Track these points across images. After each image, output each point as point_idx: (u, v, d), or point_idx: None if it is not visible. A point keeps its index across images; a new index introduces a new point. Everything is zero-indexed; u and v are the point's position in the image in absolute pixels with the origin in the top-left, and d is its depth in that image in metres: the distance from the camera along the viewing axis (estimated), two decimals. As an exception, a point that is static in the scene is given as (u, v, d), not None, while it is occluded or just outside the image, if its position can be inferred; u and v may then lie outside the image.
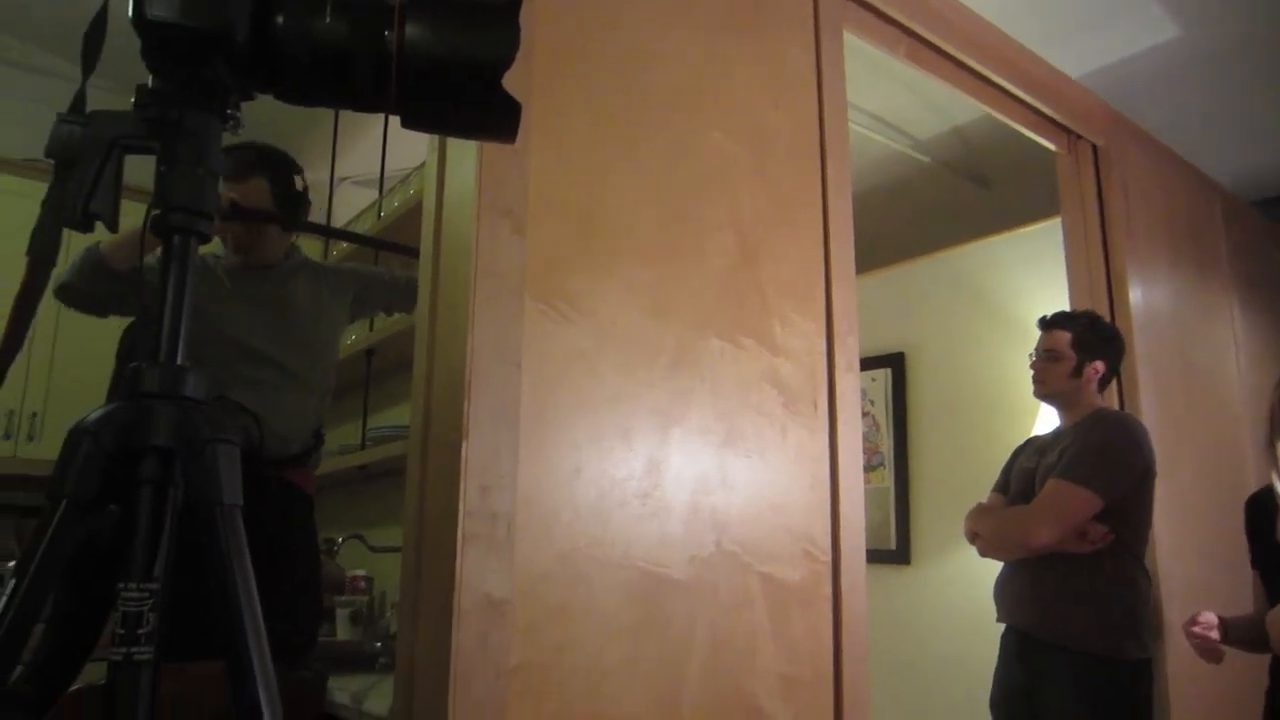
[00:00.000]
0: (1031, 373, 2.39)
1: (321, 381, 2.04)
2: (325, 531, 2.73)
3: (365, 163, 3.01)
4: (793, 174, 1.82)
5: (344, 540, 2.52)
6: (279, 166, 1.97)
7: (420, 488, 1.36)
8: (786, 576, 1.64)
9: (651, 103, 1.61)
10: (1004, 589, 2.33)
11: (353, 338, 2.67)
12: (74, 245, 1.58)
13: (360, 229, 2.76)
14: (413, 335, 1.48)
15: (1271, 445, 1.91)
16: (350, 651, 2.10)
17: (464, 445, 1.27)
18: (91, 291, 1.79)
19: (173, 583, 0.68)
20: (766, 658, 1.57)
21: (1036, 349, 2.39)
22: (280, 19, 0.67)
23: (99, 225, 0.68)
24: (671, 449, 1.51)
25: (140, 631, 0.66)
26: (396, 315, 2.41)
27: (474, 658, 1.22)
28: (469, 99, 0.71)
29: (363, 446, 2.51)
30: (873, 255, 3.56)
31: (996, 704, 2.31)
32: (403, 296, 2.24)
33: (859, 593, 1.74)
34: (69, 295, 1.80)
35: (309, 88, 0.70)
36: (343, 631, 2.22)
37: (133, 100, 0.68)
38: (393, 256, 2.43)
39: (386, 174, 2.83)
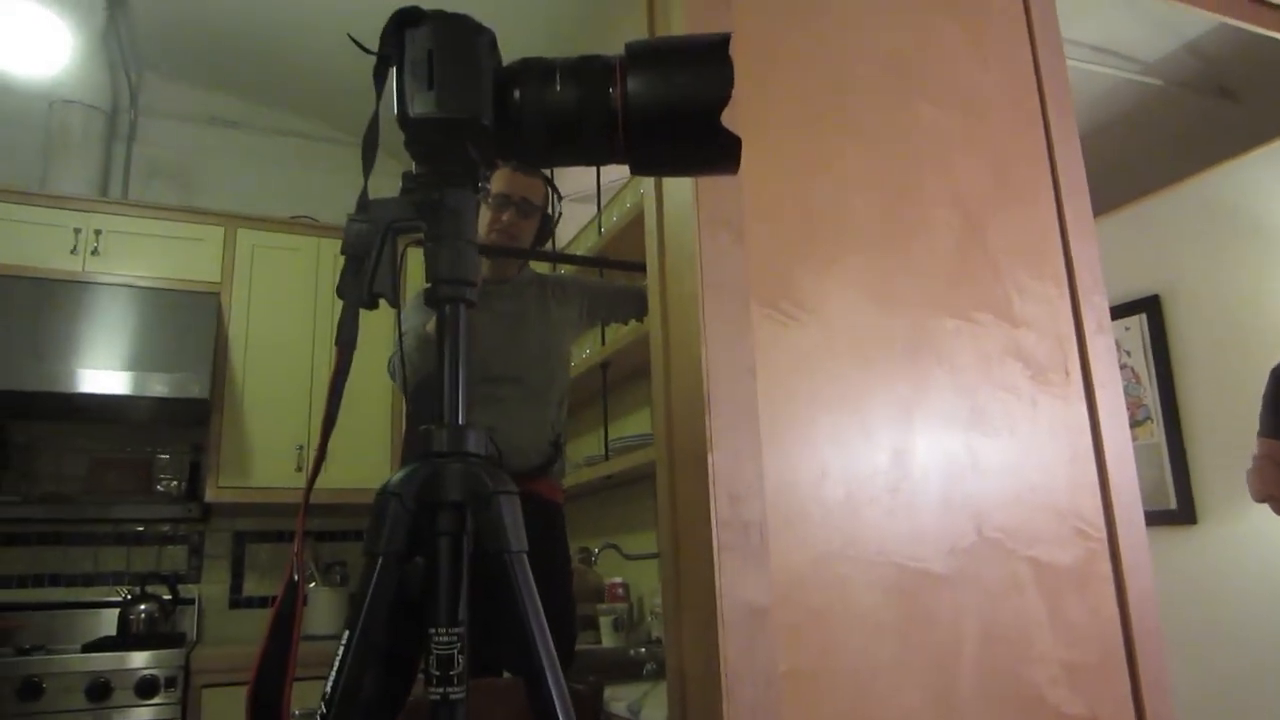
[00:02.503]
0: None
1: (557, 392, 2.14)
2: (581, 541, 2.88)
3: (581, 180, 3.13)
4: (1013, 133, 1.72)
5: (600, 550, 2.64)
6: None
7: (671, 500, 1.40)
8: (1057, 559, 1.55)
9: (858, 88, 1.57)
10: None
11: (587, 351, 2.79)
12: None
13: (583, 245, 2.88)
14: (644, 345, 1.52)
15: None
16: (616, 658, 2.19)
17: (710, 457, 1.29)
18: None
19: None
20: (1045, 646, 1.50)
21: None
22: (518, 94, 0.72)
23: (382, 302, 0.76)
24: (916, 438, 1.47)
25: (452, 673, 0.73)
26: (628, 327, 2.49)
27: (742, 666, 1.25)
28: (692, 140, 0.73)
29: (606, 457, 2.61)
30: (1113, 194, 3.29)
31: None
32: (627, 304, 2.32)
33: (1143, 569, 1.62)
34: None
35: (544, 150, 0.75)
36: (607, 639, 2.33)
37: (400, 186, 0.75)
38: (616, 274, 2.51)
39: (602, 187, 2.93)
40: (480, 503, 0.74)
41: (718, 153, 0.74)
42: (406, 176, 0.75)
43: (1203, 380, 3.42)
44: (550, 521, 2.05)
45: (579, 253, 2.99)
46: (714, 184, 1.39)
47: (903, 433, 1.46)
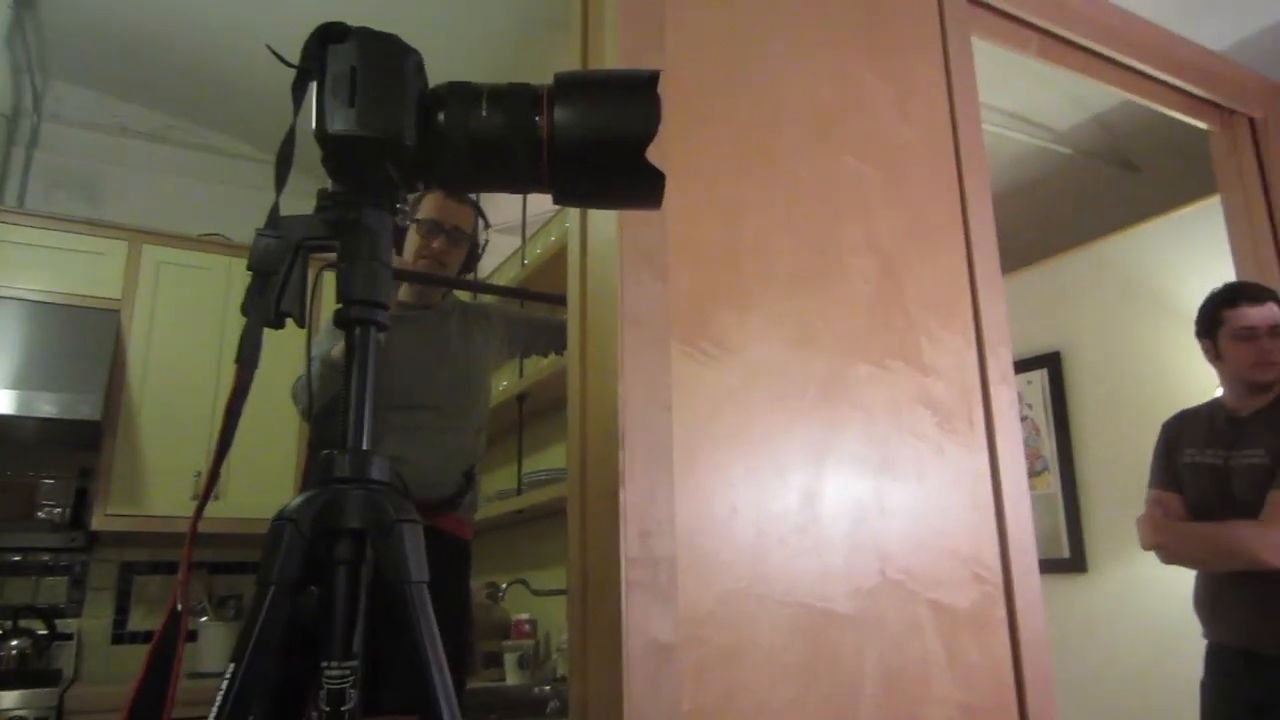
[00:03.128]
0: (1256, 355, 2.09)
1: (475, 421, 2.11)
2: (488, 576, 2.83)
3: (505, 211, 3.12)
4: (929, 188, 1.78)
5: (508, 586, 2.59)
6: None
7: (581, 536, 1.39)
8: (956, 602, 1.58)
9: (784, 136, 1.61)
10: (1216, 604, 2.12)
11: (504, 383, 2.76)
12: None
13: (506, 276, 2.87)
14: (561, 379, 1.52)
15: None
16: (520, 696, 2.15)
17: (621, 493, 1.28)
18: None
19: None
20: (943, 687, 1.52)
21: (1253, 326, 2.10)
22: (442, 117, 0.71)
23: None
24: (826, 480, 1.49)
25: (344, 709, 0.70)
26: (547, 360, 2.48)
27: (646, 704, 1.23)
28: (616, 173, 0.73)
29: (519, 491, 2.58)
30: (1020, 253, 3.44)
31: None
32: (548, 337, 2.31)
33: (1035, 614, 1.66)
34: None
35: (468, 175, 0.74)
36: (511, 676, 2.28)
37: (315, 204, 0.73)
38: (537, 306, 2.50)
39: (527, 219, 2.92)
40: (381, 531, 0.71)
41: (641, 187, 0.74)
42: (322, 194, 0.73)
43: (1097, 435, 3.57)
44: (454, 560, 2.00)
45: (501, 283, 2.97)
46: (638, 221, 1.40)
47: (814, 474, 1.48)
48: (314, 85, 0.69)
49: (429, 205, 2.07)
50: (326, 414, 1.87)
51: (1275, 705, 1.98)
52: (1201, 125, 2.62)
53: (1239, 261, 2.61)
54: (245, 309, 0.70)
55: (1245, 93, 2.64)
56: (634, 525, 1.29)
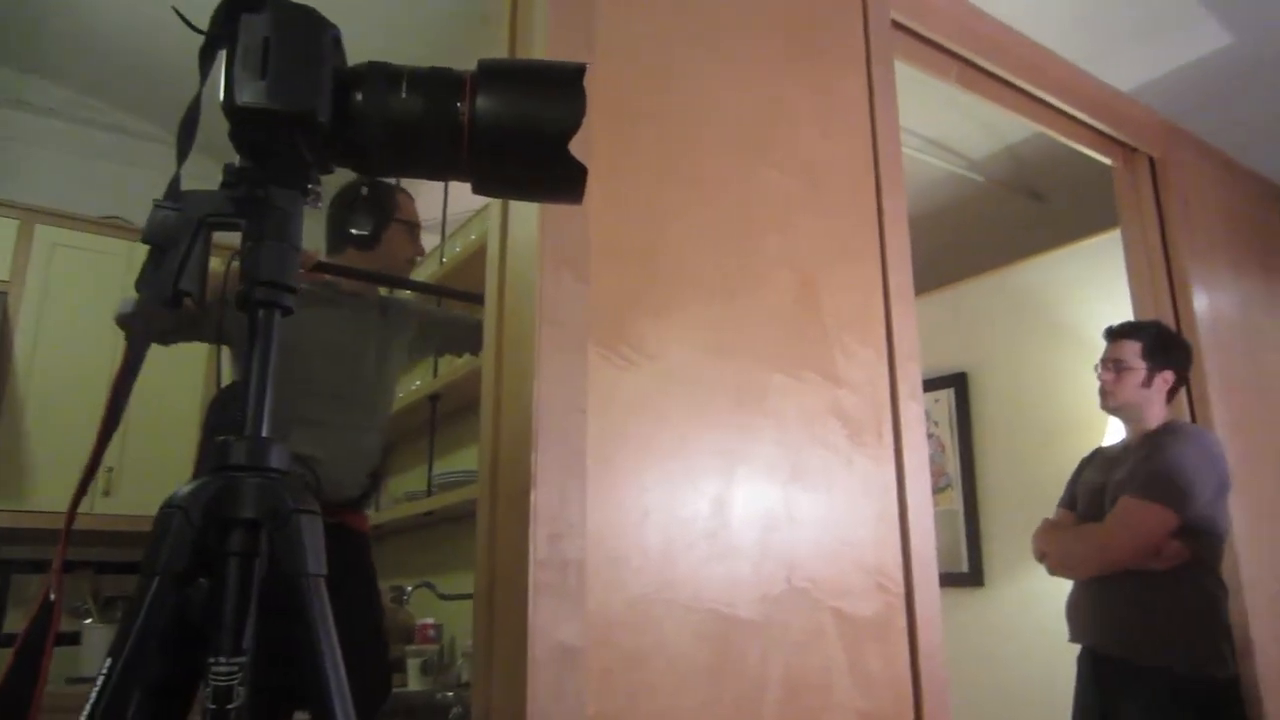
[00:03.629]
0: (1099, 385, 2.33)
1: (382, 420, 2.06)
2: (394, 579, 2.76)
3: (427, 208, 3.06)
4: (848, 205, 1.82)
5: (413, 589, 2.54)
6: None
7: (490, 537, 1.37)
8: (859, 611, 1.61)
9: (709, 144, 1.62)
10: (1076, 609, 2.27)
11: (417, 383, 2.71)
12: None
13: (423, 274, 2.81)
14: (477, 379, 1.49)
15: None
16: (422, 702, 2.10)
17: (532, 494, 1.27)
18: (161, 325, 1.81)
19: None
20: (844, 694, 1.55)
21: (1104, 360, 2.33)
22: (359, 96, 0.69)
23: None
24: (738, 488, 1.50)
25: (230, 707, 0.67)
26: (461, 360, 2.44)
27: (550, 708, 1.22)
28: (537, 165, 0.72)
29: (429, 493, 2.53)
30: (931, 276, 3.53)
31: None
32: (463, 337, 2.27)
33: (934, 625, 1.70)
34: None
35: (385, 159, 0.72)
36: (414, 681, 2.23)
37: (221, 180, 0.70)
38: (455, 304, 2.46)
39: (448, 217, 2.88)
40: (278, 521, 0.68)
41: (563, 181, 0.73)
42: (228, 169, 0.70)
43: (998, 454, 3.69)
44: (359, 553, 1.95)
45: (418, 281, 2.91)
46: (560, 222, 1.39)
47: (726, 481, 1.49)
48: (224, 55, 0.66)
49: (411, 210, 2.11)
50: (224, 398, 1.79)
51: (1118, 712, 2.10)
52: (1106, 160, 2.74)
53: (1135, 292, 2.74)
54: (139, 285, 0.67)
55: (1147, 132, 2.77)
56: (544, 527, 1.27)
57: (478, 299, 1.63)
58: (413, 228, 2.11)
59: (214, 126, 0.71)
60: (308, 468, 1.80)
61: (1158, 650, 2.06)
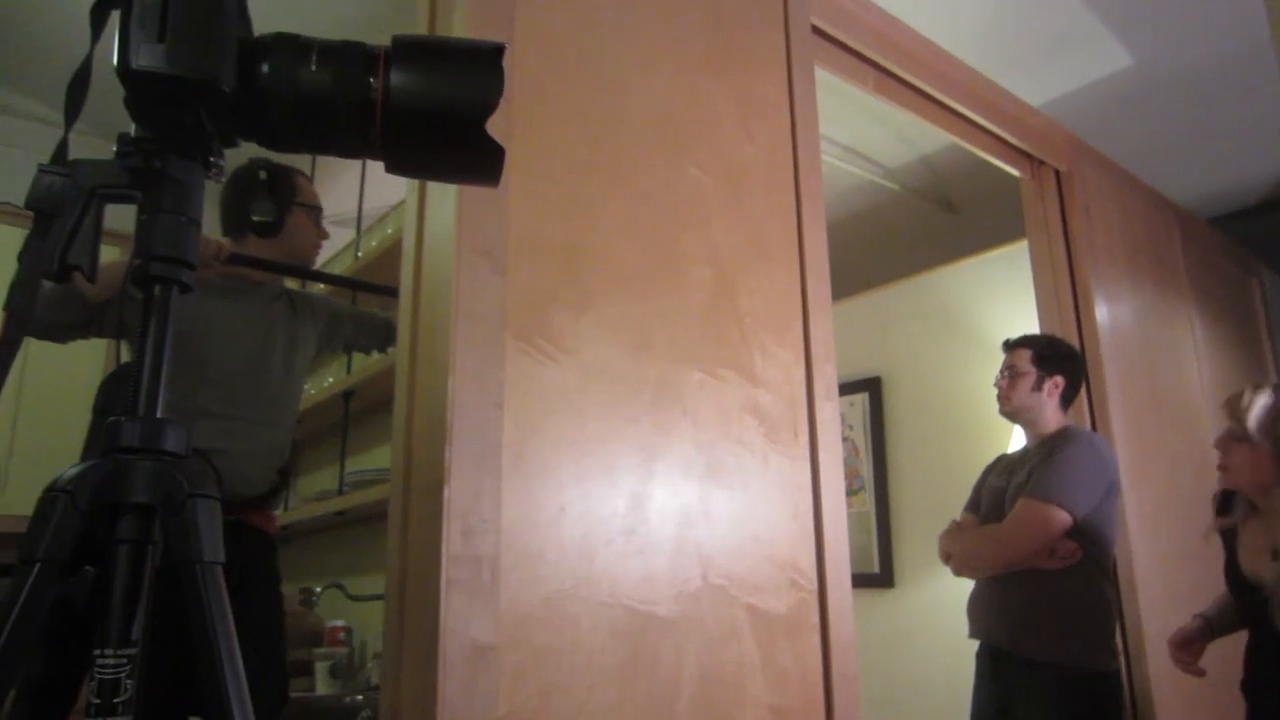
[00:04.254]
0: (996, 391, 2.43)
1: (290, 416, 2.00)
2: (303, 581, 2.69)
3: (343, 202, 2.99)
4: (768, 207, 1.84)
5: (322, 590, 2.47)
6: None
7: (402, 533, 1.34)
8: (773, 607, 1.63)
9: (630, 141, 1.62)
10: (975, 606, 2.35)
11: (330, 379, 2.64)
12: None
13: (337, 268, 2.74)
14: (391, 377, 1.46)
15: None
16: (329, 707, 2.04)
17: (446, 489, 1.25)
18: (57, 320, 1.71)
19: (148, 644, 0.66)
20: (756, 690, 1.56)
21: (1001, 369, 2.45)
22: (266, 67, 0.67)
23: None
24: (655, 484, 1.50)
25: (117, 700, 0.64)
26: (375, 357, 2.38)
27: (460, 708, 1.20)
28: (453, 145, 0.70)
29: (341, 492, 2.47)
30: (847, 282, 3.60)
31: None
32: (371, 334, 2.22)
33: (846, 620, 1.73)
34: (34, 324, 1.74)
35: (293, 134, 0.69)
36: (322, 685, 2.17)
37: (114, 148, 0.67)
38: (370, 297, 2.41)
39: (364, 213, 2.81)
40: (173, 506, 0.65)
41: (479, 161, 0.72)
42: (123, 139, 0.67)
43: (910, 458, 3.78)
44: (263, 553, 1.88)
45: (336, 275, 2.83)
46: (478, 214, 1.37)
47: (643, 478, 1.49)
48: (119, 16, 0.63)
49: (311, 192, 2.04)
50: (116, 378, 1.71)
51: (1013, 704, 2.18)
52: (1015, 172, 2.84)
53: (1041, 301, 2.84)
54: (22, 255, 0.63)
55: (1054, 146, 2.88)
56: (457, 523, 1.25)
57: (394, 292, 1.60)
58: (315, 211, 2.04)
59: (107, 99, 0.67)
60: (211, 463, 1.73)
61: (1051, 645, 2.15)
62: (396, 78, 0.68)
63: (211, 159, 0.69)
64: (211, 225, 2.03)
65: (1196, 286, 3.44)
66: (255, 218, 1.92)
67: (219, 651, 0.66)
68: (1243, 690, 1.93)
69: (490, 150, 0.70)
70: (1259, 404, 1.89)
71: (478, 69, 0.69)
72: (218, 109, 0.65)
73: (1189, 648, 2.04)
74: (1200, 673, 2.02)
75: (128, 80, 0.62)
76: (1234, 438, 1.92)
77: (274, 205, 1.92)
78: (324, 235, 2.08)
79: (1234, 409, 1.94)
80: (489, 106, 0.68)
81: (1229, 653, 2.05)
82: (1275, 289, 3.92)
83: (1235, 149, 3.29)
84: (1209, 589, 2.11)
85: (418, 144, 0.70)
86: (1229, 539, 2.03)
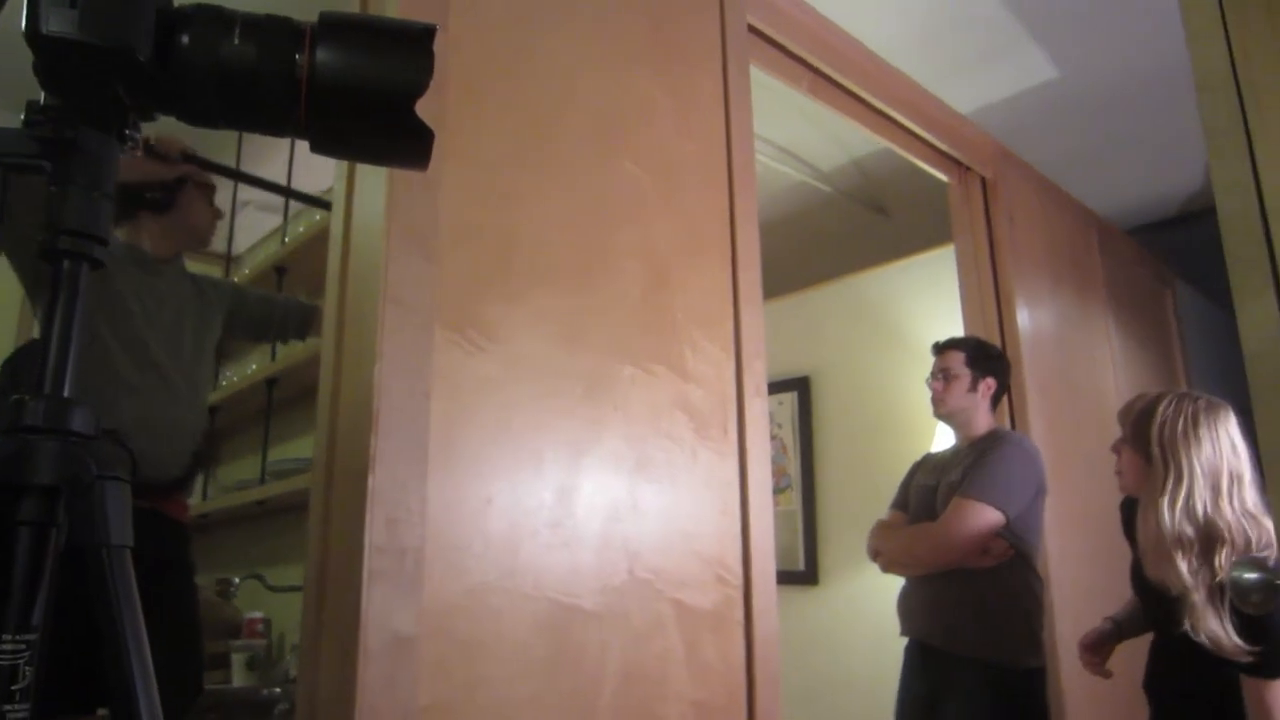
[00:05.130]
0: (930, 394, 2.48)
1: (204, 398, 1.96)
2: (221, 571, 2.62)
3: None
4: (701, 203, 1.85)
5: (241, 580, 2.41)
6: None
7: (323, 522, 1.32)
8: (698, 602, 1.64)
9: (565, 132, 1.61)
10: (907, 603, 2.39)
11: (253, 366, 2.58)
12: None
13: (263, 254, 2.67)
14: (317, 365, 1.43)
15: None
16: (246, 699, 2.00)
17: (370, 477, 1.23)
18: None
19: (51, 631, 0.64)
20: (679, 684, 1.57)
21: (933, 372, 2.49)
22: (185, 38, 0.65)
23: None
24: (583, 478, 1.50)
25: (15, 688, 0.61)
26: (301, 344, 2.33)
27: (380, 699, 1.18)
28: (381, 125, 0.69)
29: (262, 481, 2.41)
30: (778, 282, 3.64)
31: (900, 716, 2.36)
32: (284, 318, 2.17)
33: (770, 616, 1.75)
34: None
35: (214, 109, 0.68)
36: (238, 678, 2.12)
37: (22, 117, 0.64)
38: (297, 288, 2.35)
39: (292, 200, 2.75)
40: (79, 488, 0.63)
41: (407, 144, 0.71)
42: (32, 106, 0.64)
43: (837, 457, 3.84)
44: (176, 544, 1.83)
45: (258, 267, 2.75)
46: (409, 201, 1.35)
47: (571, 471, 1.49)
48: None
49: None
50: (22, 354, 1.65)
51: (942, 700, 2.24)
52: (943, 178, 2.91)
53: (966, 303, 2.91)
54: (-80, 223, 0.60)
55: (980, 153, 2.96)
56: (381, 512, 1.23)
57: (328, 205, 1.58)
58: (208, 190, 2.00)
59: (19, 68, 0.65)
60: (125, 446, 1.67)
61: (983, 642, 2.20)
62: (323, 54, 0.67)
63: (127, 131, 0.67)
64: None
65: (1113, 295, 3.57)
66: (146, 195, 1.89)
67: (125, 639, 0.64)
68: (1145, 689, 2.00)
69: (419, 133, 0.69)
70: (1136, 409, 1.96)
71: (408, 49, 0.68)
72: (133, 80, 0.63)
73: (1098, 650, 2.12)
74: (1107, 675, 2.09)
75: (37, 46, 0.60)
76: (1122, 442, 1.99)
77: (160, 184, 1.89)
78: (217, 214, 2.04)
79: (1123, 415, 2.01)
80: (418, 87, 0.67)
81: (1136, 651, 2.13)
82: (1187, 300, 4.08)
83: (1154, 162, 3.42)
84: (1118, 591, 2.18)
85: (344, 123, 0.69)
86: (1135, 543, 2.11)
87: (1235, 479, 1.81)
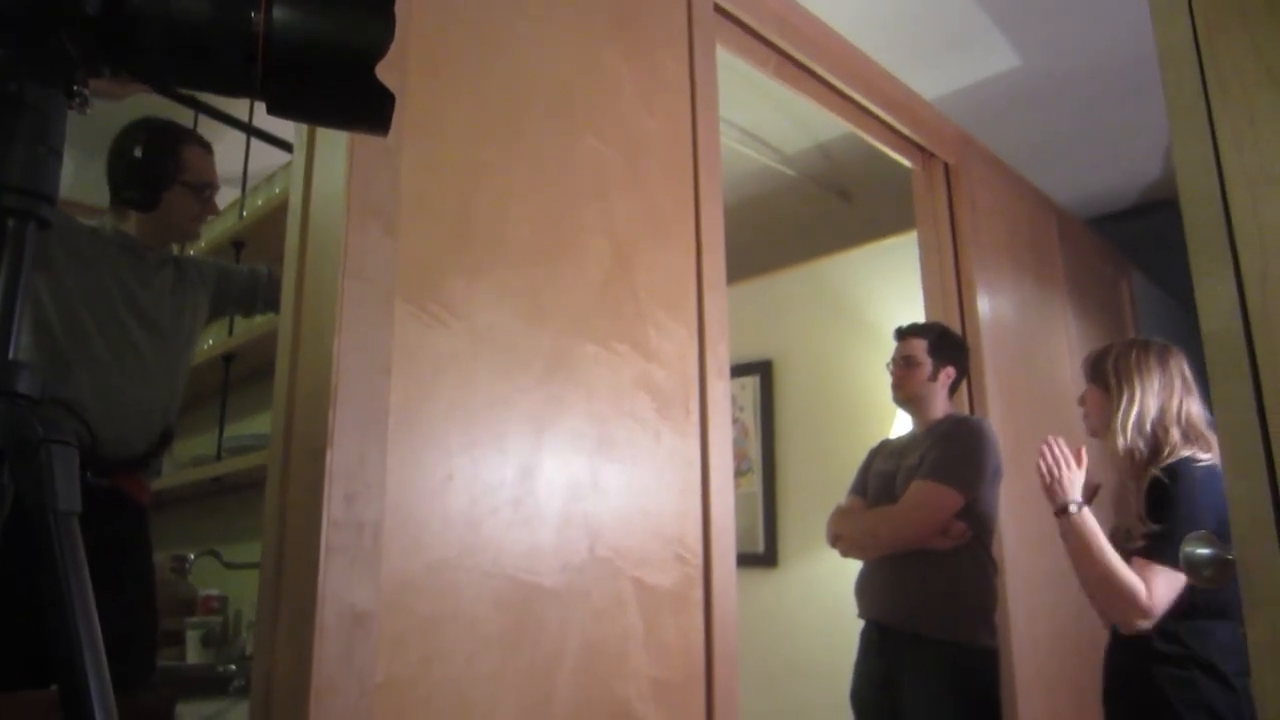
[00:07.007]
0: (891, 379, 2.50)
1: (179, 380, 1.94)
2: (177, 548, 2.58)
3: (227, 161, 2.86)
4: (666, 183, 1.84)
5: (196, 557, 2.38)
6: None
7: (281, 497, 1.30)
8: (658, 581, 1.65)
9: (529, 106, 1.60)
10: (866, 585, 2.42)
11: (210, 342, 2.53)
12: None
13: (220, 228, 2.62)
14: (275, 340, 1.41)
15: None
16: (200, 676, 1.98)
17: (328, 453, 1.22)
18: None
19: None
20: (638, 662, 1.57)
21: (894, 358, 2.51)
22: (136, -9, 0.63)
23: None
24: (545, 455, 1.50)
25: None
26: (259, 319, 2.30)
27: (337, 675, 1.17)
28: (340, 87, 0.68)
29: (219, 457, 2.38)
30: (741, 265, 3.65)
31: (856, 695, 2.40)
32: (264, 295, 2.15)
33: (729, 595, 1.77)
34: None
35: (165, 66, 0.66)
36: (193, 654, 2.10)
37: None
38: (256, 262, 2.32)
39: (250, 174, 2.70)
40: (25, 450, 0.62)
41: (368, 107, 0.69)
42: (-29, 60, 0.62)
43: (798, 441, 3.87)
44: (133, 525, 1.81)
45: (215, 241, 2.70)
46: (370, 173, 1.33)
47: (533, 448, 1.48)
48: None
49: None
50: None
51: (899, 679, 2.27)
52: (906, 163, 2.93)
53: (928, 289, 2.94)
54: None
55: (944, 139, 2.98)
56: (339, 487, 1.22)
57: (290, 147, 1.56)
58: (200, 189, 1.95)
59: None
60: (75, 412, 1.65)
61: (942, 622, 2.24)
62: (280, 12, 0.65)
63: (75, 87, 0.65)
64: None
65: (1072, 283, 3.62)
66: (126, 194, 1.87)
67: (73, 608, 0.62)
68: (1104, 671, 1.96)
69: (379, 96, 0.68)
70: (1095, 352, 2.04)
71: (368, 9, 0.67)
72: (79, 32, 0.61)
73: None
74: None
75: (-21, -6, 0.58)
76: (1086, 387, 2.05)
77: (145, 185, 1.86)
78: (209, 212, 2.00)
79: (1085, 363, 2.08)
80: (379, 49, 0.66)
81: (1085, 646, 2.17)
82: (1143, 290, 4.15)
83: (1114, 154, 3.47)
84: (1071, 577, 2.21)
85: (302, 84, 0.68)
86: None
87: (1183, 405, 1.89)
